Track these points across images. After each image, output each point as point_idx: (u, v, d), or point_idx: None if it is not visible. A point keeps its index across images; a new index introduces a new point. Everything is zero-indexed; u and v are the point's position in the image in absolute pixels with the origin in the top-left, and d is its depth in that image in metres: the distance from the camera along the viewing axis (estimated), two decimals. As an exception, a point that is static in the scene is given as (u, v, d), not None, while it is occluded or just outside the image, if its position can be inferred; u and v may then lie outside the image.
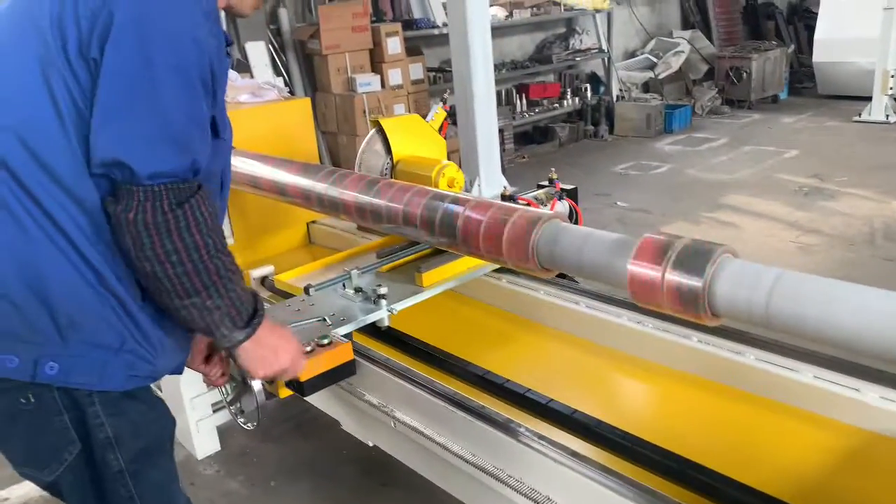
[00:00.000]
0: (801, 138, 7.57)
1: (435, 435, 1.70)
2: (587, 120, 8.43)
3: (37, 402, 1.30)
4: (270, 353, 1.46)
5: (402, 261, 2.20)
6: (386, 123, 2.55)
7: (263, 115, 2.90)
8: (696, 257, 1.20)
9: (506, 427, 1.56)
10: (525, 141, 8.22)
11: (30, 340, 1.27)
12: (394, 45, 6.37)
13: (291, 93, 6.43)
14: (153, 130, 1.22)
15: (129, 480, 1.40)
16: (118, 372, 1.33)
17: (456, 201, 1.66)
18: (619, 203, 5.98)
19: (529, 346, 2.19)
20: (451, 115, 3.47)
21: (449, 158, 6.80)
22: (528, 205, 2.38)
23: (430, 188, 1.86)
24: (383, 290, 1.92)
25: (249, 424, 1.77)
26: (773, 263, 1.21)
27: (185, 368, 1.56)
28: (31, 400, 1.30)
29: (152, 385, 1.47)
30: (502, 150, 7.35)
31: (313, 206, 2.23)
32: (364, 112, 6.09)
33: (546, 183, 2.58)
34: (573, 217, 2.47)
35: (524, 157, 7.83)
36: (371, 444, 2.15)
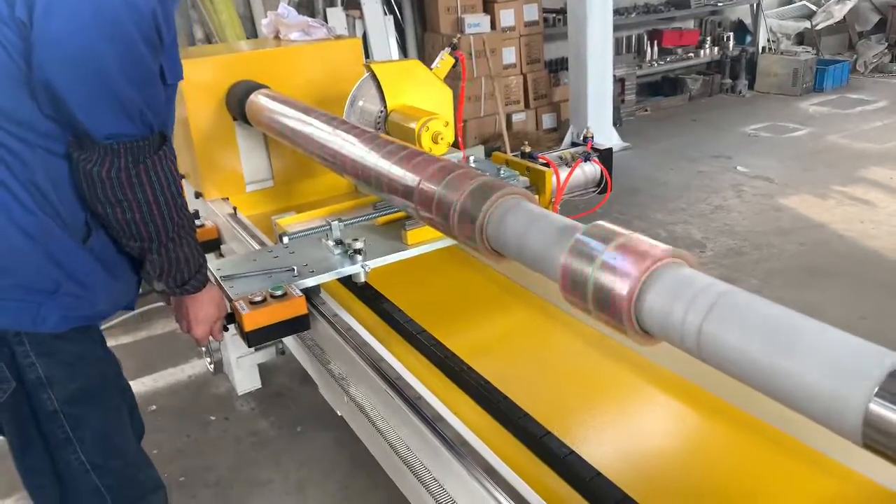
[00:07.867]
0: (983, 106, 6.46)
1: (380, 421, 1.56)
2: (725, 73, 7.66)
3: None
4: (191, 318, 1.57)
5: (395, 215, 2.02)
6: (379, 69, 2.24)
7: (313, 53, 2.79)
8: (630, 256, 0.95)
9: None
10: (651, 92, 7.62)
11: None
12: (508, -16, 6.02)
13: (401, 32, 6.30)
14: (103, 99, 1.22)
15: (66, 422, 1.43)
16: (53, 314, 1.35)
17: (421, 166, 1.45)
18: (739, 168, 5.40)
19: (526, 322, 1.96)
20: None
21: (558, 107, 6.22)
22: (548, 165, 2.10)
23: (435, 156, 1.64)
24: (359, 245, 1.78)
25: (210, 366, 1.76)
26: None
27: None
28: None
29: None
30: (622, 102, 6.84)
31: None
32: (470, 55, 5.84)
33: (580, 141, 2.28)
34: (602, 183, 2.16)
35: (646, 111, 7.27)
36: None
